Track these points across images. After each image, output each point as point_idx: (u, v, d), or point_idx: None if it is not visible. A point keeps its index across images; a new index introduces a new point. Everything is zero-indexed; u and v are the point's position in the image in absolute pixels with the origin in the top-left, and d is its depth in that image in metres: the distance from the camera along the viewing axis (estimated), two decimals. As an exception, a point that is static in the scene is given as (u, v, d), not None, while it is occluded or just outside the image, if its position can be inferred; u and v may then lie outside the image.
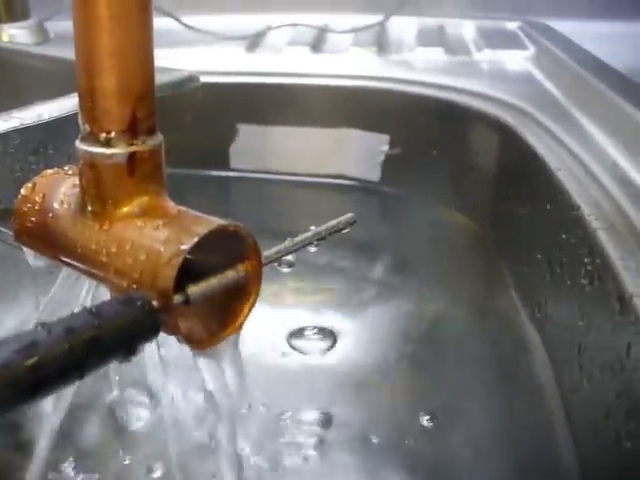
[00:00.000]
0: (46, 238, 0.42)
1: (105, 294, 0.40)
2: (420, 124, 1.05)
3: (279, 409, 0.68)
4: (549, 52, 1.13)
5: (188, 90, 0.89)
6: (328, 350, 0.77)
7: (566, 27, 1.25)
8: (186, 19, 1.30)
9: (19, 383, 0.30)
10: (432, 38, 1.30)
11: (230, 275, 0.38)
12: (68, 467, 0.61)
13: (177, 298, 0.35)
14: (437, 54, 1.20)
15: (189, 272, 0.36)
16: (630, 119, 0.80)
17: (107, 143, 0.38)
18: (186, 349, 0.40)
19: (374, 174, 1.09)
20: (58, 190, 0.42)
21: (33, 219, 0.43)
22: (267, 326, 0.79)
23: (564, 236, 0.70)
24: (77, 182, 0.40)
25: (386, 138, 1.08)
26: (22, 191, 0.44)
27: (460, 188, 1.02)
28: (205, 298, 0.37)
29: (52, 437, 0.55)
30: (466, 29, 1.36)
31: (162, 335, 0.36)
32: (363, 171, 1.10)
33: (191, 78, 0.91)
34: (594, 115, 0.86)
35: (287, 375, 0.74)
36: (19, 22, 1.24)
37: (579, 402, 0.64)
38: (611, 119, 0.82)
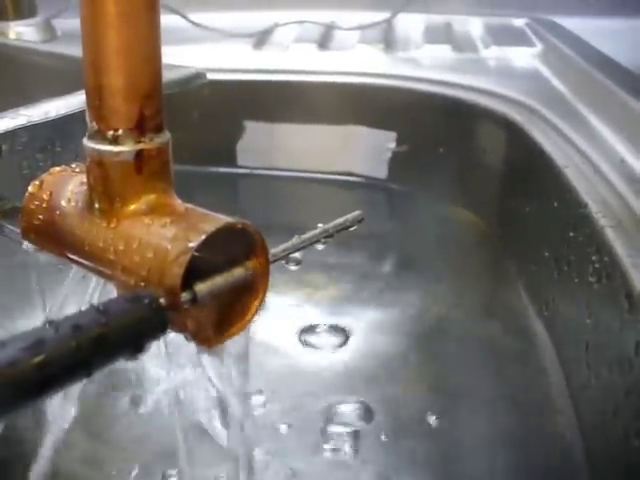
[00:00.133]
0: (53, 236, 0.42)
1: (112, 292, 0.40)
2: (427, 121, 1.05)
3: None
4: (556, 49, 1.13)
5: (195, 87, 0.89)
6: (340, 346, 0.77)
7: (573, 24, 1.25)
8: (193, 16, 1.30)
9: (26, 381, 0.30)
10: (439, 35, 1.30)
11: (238, 273, 0.38)
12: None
13: (184, 296, 0.35)
14: (444, 51, 1.20)
15: (196, 270, 0.36)
16: (638, 116, 0.80)
17: (115, 141, 0.37)
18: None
19: (381, 171, 1.09)
20: (65, 188, 0.42)
21: (40, 217, 0.43)
22: (277, 324, 0.79)
23: (571, 234, 0.70)
24: (84, 180, 0.40)
25: (393, 135, 1.08)
26: (29, 189, 0.44)
27: (467, 185, 1.02)
28: (212, 296, 0.37)
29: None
30: (473, 26, 1.36)
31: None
32: (370, 168, 1.10)
33: (198, 75, 0.90)
34: (602, 112, 0.86)
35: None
36: (26, 19, 1.24)
37: (587, 400, 0.64)
38: (619, 116, 0.82)
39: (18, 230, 0.45)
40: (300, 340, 0.78)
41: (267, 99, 1.10)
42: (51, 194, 0.42)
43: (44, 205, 0.43)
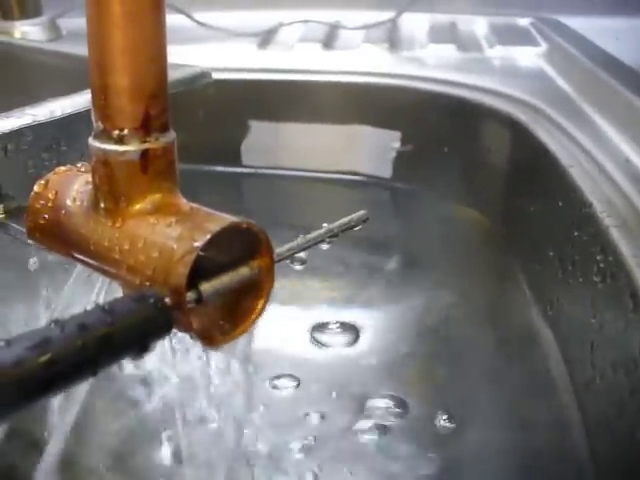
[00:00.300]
0: (59, 235, 0.42)
1: (118, 291, 0.40)
2: (432, 121, 1.05)
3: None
4: (561, 48, 1.13)
5: (200, 86, 0.89)
6: (351, 345, 0.78)
7: (578, 23, 1.25)
8: (198, 16, 1.30)
9: (32, 379, 0.30)
10: (444, 35, 1.29)
11: (242, 272, 0.38)
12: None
13: (190, 295, 0.35)
14: (449, 51, 1.20)
15: (201, 269, 0.36)
16: (643, 115, 0.80)
17: (120, 140, 0.38)
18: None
19: (386, 171, 1.09)
20: (71, 187, 0.42)
21: (46, 216, 0.43)
22: (287, 323, 0.80)
23: (576, 233, 0.70)
24: (90, 179, 0.40)
25: (398, 135, 1.08)
26: (35, 188, 0.44)
27: (472, 185, 1.02)
28: (218, 295, 0.37)
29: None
30: (478, 26, 1.36)
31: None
32: (375, 168, 1.10)
33: (203, 74, 0.90)
34: (606, 111, 0.86)
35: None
36: (32, 19, 1.24)
37: (592, 399, 0.64)
38: (623, 115, 0.82)
39: (24, 229, 0.45)
40: (312, 337, 0.78)
41: (272, 98, 1.10)
42: (56, 193, 0.43)
43: (49, 204, 0.43)
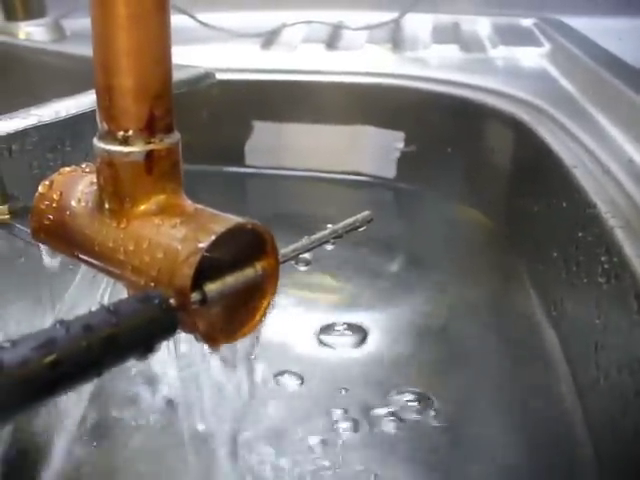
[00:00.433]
0: (63, 236, 0.42)
1: (123, 292, 0.40)
2: (435, 121, 1.05)
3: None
4: (564, 49, 1.13)
5: (204, 87, 0.89)
6: (358, 346, 0.78)
7: (581, 24, 1.25)
8: (201, 16, 1.30)
9: (37, 380, 0.30)
10: (447, 35, 1.29)
11: (247, 273, 0.38)
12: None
13: (194, 296, 0.35)
14: (452, 51, 1.20)
15: (206, 270, 0.36)
16: (646, 116, 0.80)
17: (125, 141, 0.37)
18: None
19: (389, 171, 1.09)
20: (75, 188, 0.42)
21: (50, 217, 0.43)
22: (294, 324, 0.80)
23: (580, 234, 0.70)
24: (94, 180, 0.40)
25: (401, 135, 1.08)
26: (40, 189, 0.44)
27: (475, 185, 1.02)
28: (222, 296, 0.37)
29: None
30: (481, 26, 1.36)
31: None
32: (378, 168, 1.10)
33: (207, 75, 0.90)
34: (610, 112, 0.86)
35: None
36: (36, 19, 1.24)
37: (596, 400, 0.64)
38: (627, 116, 0.82)
39: (28, 230, 0.45)
40: (318, 339, 0.79)
41: (275, 99, 1.10)
42: (61, 194, 0.43)
43: (54, 205, 0.43)
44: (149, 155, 0.38)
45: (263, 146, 1.13)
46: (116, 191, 0.39)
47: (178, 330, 0.35)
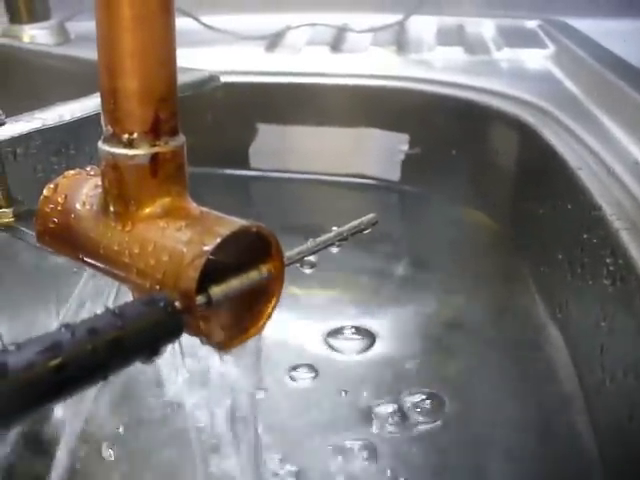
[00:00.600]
0: (68, 239, 0.42)
1: (128, 295, 0.40)
2: (440, 123, 1.04)
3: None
4: (569, 50, 1.13)
5: (209, 90, 0.89)
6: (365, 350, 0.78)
7: (585, 25, 1.24)
8: (205, 19, 1.30)
9: (43, 384, 0.30)
10: (451, 37, 1.29)
11: (252, 276, 0.38)
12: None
13: (200, 299, 0.35)
14: (456, 53, 1.20)
15: (211, 273, 0.36)
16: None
17: (129, 144, 0.37)
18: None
19: (394, 173, 1.09)
20: (80, 191, 0.42)
21: (55, 220, 0.43)
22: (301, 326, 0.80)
23: (585, 236, 0.69)
24: (99, 183, 0.40)
25: (406, 137, 1.08)
26: (44, 192, 0.44)
27: (480, 187, 1.02)
28: (227, 299, 0.37)
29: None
30: (485, 28, 1.36)
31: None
32: (383, 170, 1.10)
33: (212, 78, 0.91)
34: (615, 113, 0.86)
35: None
36: (40, 22, 1.25)
37: (602, 403, 0.64)
38: (632, 117, 0.82)
39: (33, 233, 0.45)
40: (327, 343, 0.79)
41: (280, 101, 1.10)
42: (66, 197, 0.43)
43: (59, 208, 0.43)
44: (154, 158, 0.38)
45: (268, 149, 1.13)
46: (121, 194, 0.39)
47: (183, 333, 0.35)
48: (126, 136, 0.37)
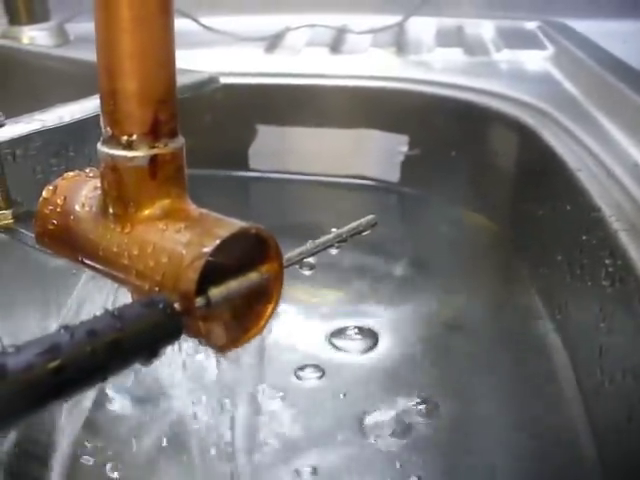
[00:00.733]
0: (67, 241, 0.42)
1: (127, 297, 0.40)
2: (439, 125, 1.04)
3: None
4: (568, 52, 1.13)
5: (208, 91, 0.89)
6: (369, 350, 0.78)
7: (585, 26, 1.24)
8: (204, 20, 1.30)
9: (42, 386, 0.30)
10: (451, 38, 1.29)
11: (252, 277, 0.38)
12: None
13: (199, 301, 0.35)
14: (456, 54, 1.20)
15: (211, 274, 0.36)
16: (651, 119, 0.80)
17: (129, 146, 0.37)
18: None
19: (393, 175, 1.09)
20: (79, 192, 0.42)
21: (54, 221, 0.43)
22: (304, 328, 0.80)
23: (584, 237, 0.69)
24: (98, 184, 0.40)
25: (405, 139, 1.08)
26: (43, 193, 0.44)
27: (479, 189, 1.02)
28: (227, 301, 0.37)
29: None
30: (485, 29, 1.36)
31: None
32: (382, 172, 1.10)
33: (211, 79, 0.91)
34: (614, 115, 0.86)
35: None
36: (39, 24, 1.25)
37: (601, 405, 0.64)
38: (632, 119, 0.82)
39: (32, 235, 0.45)
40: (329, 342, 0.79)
41: (279, 103, 1.10)
42: (65, 199, 0.43)
43: (58, 210, 0.43)
44: (153, 160, 0.38)
45: (267, 150, 1.13)
46: (120, 196, 0.39)
47: (182, 335, 0.35)
48: (125, 138, 0.37)
